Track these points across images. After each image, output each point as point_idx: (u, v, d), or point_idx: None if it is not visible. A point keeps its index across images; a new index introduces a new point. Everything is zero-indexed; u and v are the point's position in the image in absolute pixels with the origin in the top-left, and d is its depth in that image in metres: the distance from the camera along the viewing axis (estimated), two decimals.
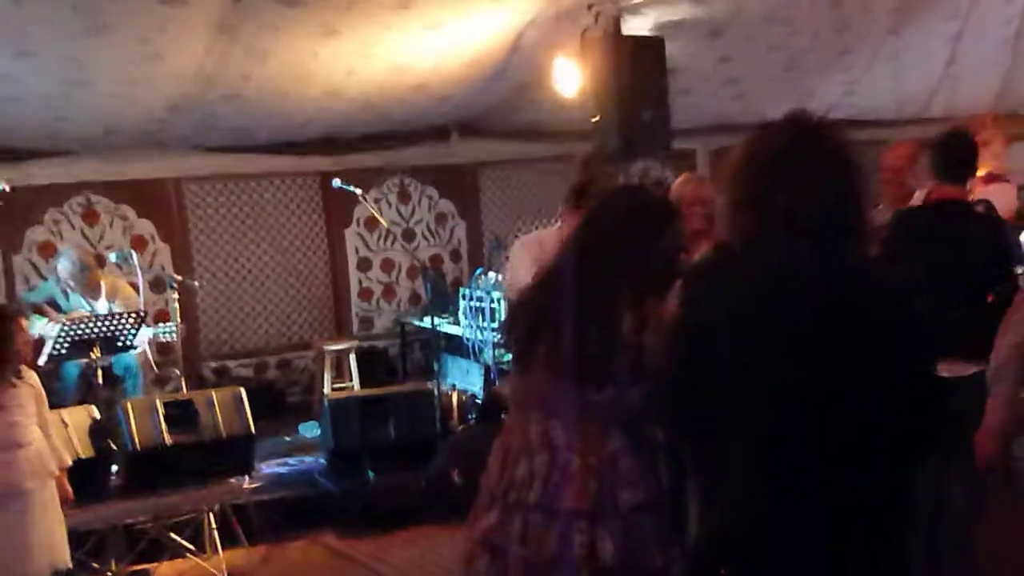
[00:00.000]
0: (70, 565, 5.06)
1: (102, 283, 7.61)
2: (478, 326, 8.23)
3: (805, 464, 2.21)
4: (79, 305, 7.46)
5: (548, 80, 8.07)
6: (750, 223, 2.36)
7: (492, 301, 8.07)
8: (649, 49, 7.51)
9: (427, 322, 8.88)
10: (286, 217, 9.75)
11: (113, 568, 5.83)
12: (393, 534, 6.44)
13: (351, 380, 8.98)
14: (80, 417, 6.07)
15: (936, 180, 4.91)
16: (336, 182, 8.02)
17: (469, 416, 7.87)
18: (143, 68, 6.91)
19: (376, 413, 7.19)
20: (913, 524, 2.33)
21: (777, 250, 2.32)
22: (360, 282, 10.11)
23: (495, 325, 7.83)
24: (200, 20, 6.41)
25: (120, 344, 7.00)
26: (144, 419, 6.06)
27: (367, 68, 7.70)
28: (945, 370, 4.26)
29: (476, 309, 8.30)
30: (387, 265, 10.23)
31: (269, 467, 7.26)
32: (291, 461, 7.49)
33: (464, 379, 8.60)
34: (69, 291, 7.49)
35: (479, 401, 7.97)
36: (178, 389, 7.61)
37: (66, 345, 6.75)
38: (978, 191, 7.49)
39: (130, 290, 7.73)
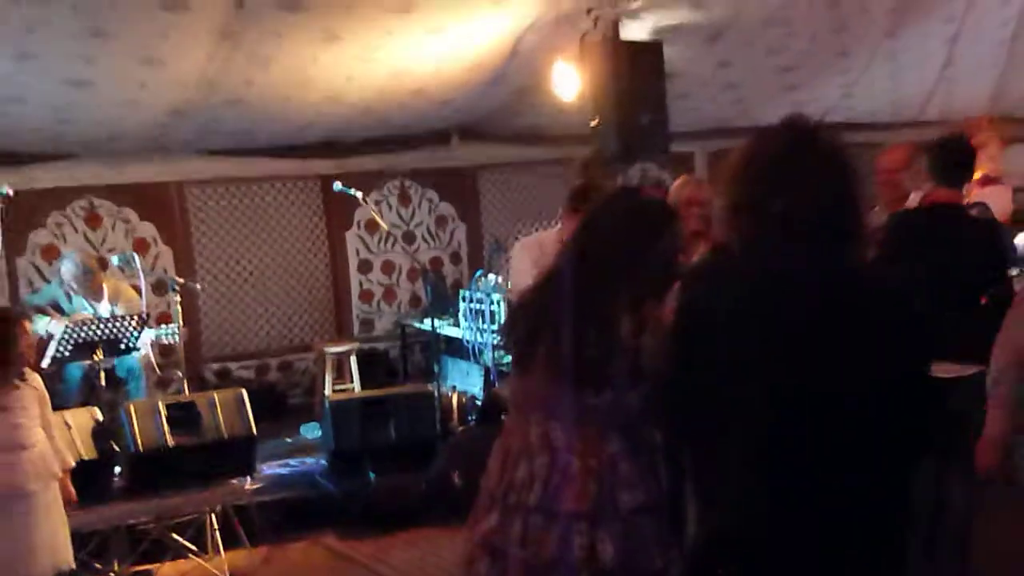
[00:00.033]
0: (73, 566, 5.06)
1: (105, 286, 7.62)
2: (478, 328, 8.23)
3: (803, 465, 2.22)
4: (82, 308, 7.46)
5: (547, 84, 8.07)
6: (748, 227, 2.37)
7: (492, 303, 8.06)
8: (648, 53, 7.51)
9: (427, 324, 8.87)
10: (287, 220, 9.75)
11: (116, 569, 5.83)
12: (394, 535, 6.44)
13: (352, 382, 8.98)
14: (83, 419, 6.07)
15: (932, 183, 4.92)
16: (337, 185, 8.02)
17: (469, 417, 7.87)
18: (146, 73, 6.91)
19: (377, 415, 7.19)
20: (911, 525, 2.33)
21: (775, 254, 2.32)
22: (361, 284, 10.11)
23: (495, 327, 7.82)
24: (202, 26, 6.41)
25: (123, 346, 7.00)
26: (146, 421, 6.06)
27: (367, 73, 7.71)
28: (941, 371, 4.29)
29: (476, 311, 8.30)
30: (388, 267, 10.23)
31: (270, 468, 7.26)
32: (292, 462, 7.49)
33: (464, 381, 8.60)
34: (72, 294, 7.50)
35: (479, 403, 7.96)
36: (180, 391, 7.62)
37: (69, 347, 6.75)
38: (974, 194, 7.49)
39: (132, 293, 7.74)
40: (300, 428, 8.40)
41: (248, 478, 6.24)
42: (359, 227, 10.01)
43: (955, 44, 9.72)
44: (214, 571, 5.98)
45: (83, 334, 6.75)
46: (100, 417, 6.15)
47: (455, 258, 10.57)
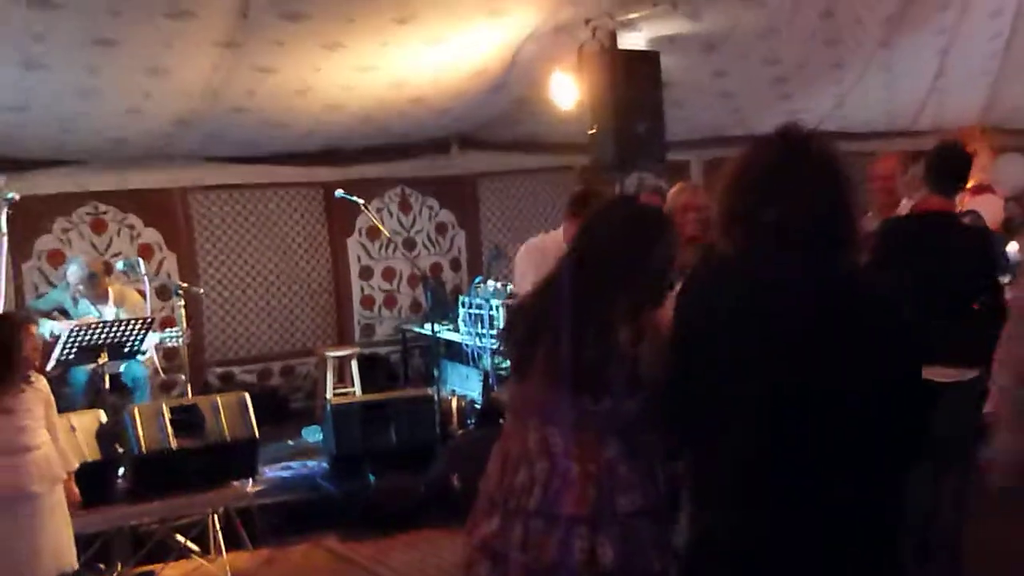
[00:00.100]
0: (77, 567, 5.05)
1: (110, 290, 7.64)
2: (477, 333, 8.23)
3: (799, 467, 2.21)
4: (87, 312, 7.47)
5: (546, 93, 8.09)
6: (743, 236, 2.37)
7: (491, 308, 8.08)
8: (645, 63, 7.52)
9: (427, 329, 8.88)
10: (290, 226, 9.76)
11: (119, 570, 5.83)
12: (394, 537, 6.43)
13: (353, 386, 8.99)
14: (88, 421, 6.07)
15: (926, 190, 4.92)
16: (339, 193, 8.03)
17: (468, 421, 7.87)
18: (151, 82, 6.92)
19: (377, 418, 7.20)
20: (906, 526, 2.33)
21: (769, 262, 2.32)
22: (362, 290, 10.12)
23: (494, 332, 7.83)
24: (206, 36, 6.42)
25: (127, 350, 7.00)
26: (150, 424, 6.05)
27: (368, 82, 7.71)
28: (938, 375, 4.29)
29: (475, 316, 8.31)
30: (388, 273, 10.23)
31: (272, 471, 7.24)
32: (294, 465, 7.47)
33: (463, 385, 8.60)
34: (79, 297, 7.51)
35: (478, 406, 7.97)
36: (183, 394, 7.61)
37: (74, 350, 6.75)
38: (966, 202, 7.51)
39: (137, 297, 7.75)
40: (302, 431, 8.39)
41: (250, 480, 6.22)
42: (360, 234, 10.02)
43: (947, 55, 9.73)
44: (216, 572, 5.97)
45: (88, 337, 6.75)
46: (105, 420, 6.15)
47: (455, 264, 10.58)
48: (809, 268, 2.29)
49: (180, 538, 6.09)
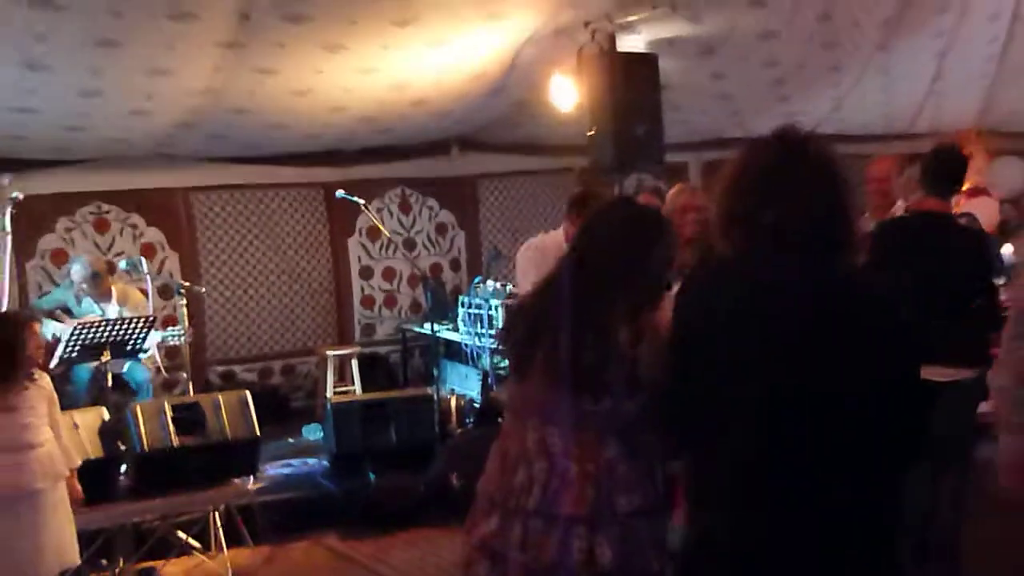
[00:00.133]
0: (79, 563, 5.06)
1: (113, 289, 7.64)
2: (476, 333, 8.24)
3: (798, 467, 2.21)
4: (91, 310, 7.47)
5: (545, 96, 8.09)
6: (742, 238, 2.37)
7: (490, 309, 8.08)
8: (643, 66, 7.52)
9: (427, 329, 8.90)
10: (291, 226, 9.77)
11: (121, 566, 5.83)
12: (393, 535, 6.43)
13: (353, 385, 8.99)
14: (91, 419, 6.07)
15: (923, 191, 4.93)
16: (340, 193, 8.03)
17: (467, 420, 7.88)
18: (153, 83, 6.92)
19: (377, 417, 7.20)
20: (904, 527, 2.32)
21: (767, 264, 2.33)
22: (362, 290, 10.12)
23: (493, 332, 7.83)
24: (209, 37, 6.42)
25: (129, 348, 7.00)
26: (152, 421, 6.06)
27: (369, 84, 7.72)
28: (936, 375, 4.29)
29: (475, 316, 8.31)
30: (389, 273, 10.24)
31: (273, 469, 7.25)
32: (294, 463, 7.48)
33: (463, 384, 8.61)
34: (82, 296, 7.51)
35: (477, 406, 7.97)
36: (185, 393, 7.62)
37: (77, 348, 6.75)
38: (961, 204, 7.51)
39: (140, 296, 7.75)
40: (302, 430, 8.40)
41: (251, 478, 6.23)
42: (361, 234, 10.03)
43: (944, 59, 9.74)
44: (217, 569, 5.98)
45: (91, 335, 6.76)
46: (107, 417, 6.16)
47: (454, 265, 10.58)
48: (807, 270, 2.29)
49: (181, 535, 6.10)
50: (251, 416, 6.34)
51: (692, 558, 2.44)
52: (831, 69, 9.45)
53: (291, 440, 8.19)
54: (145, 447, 5.98)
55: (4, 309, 7.26)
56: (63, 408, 5.24)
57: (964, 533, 4.76)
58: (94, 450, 5.90)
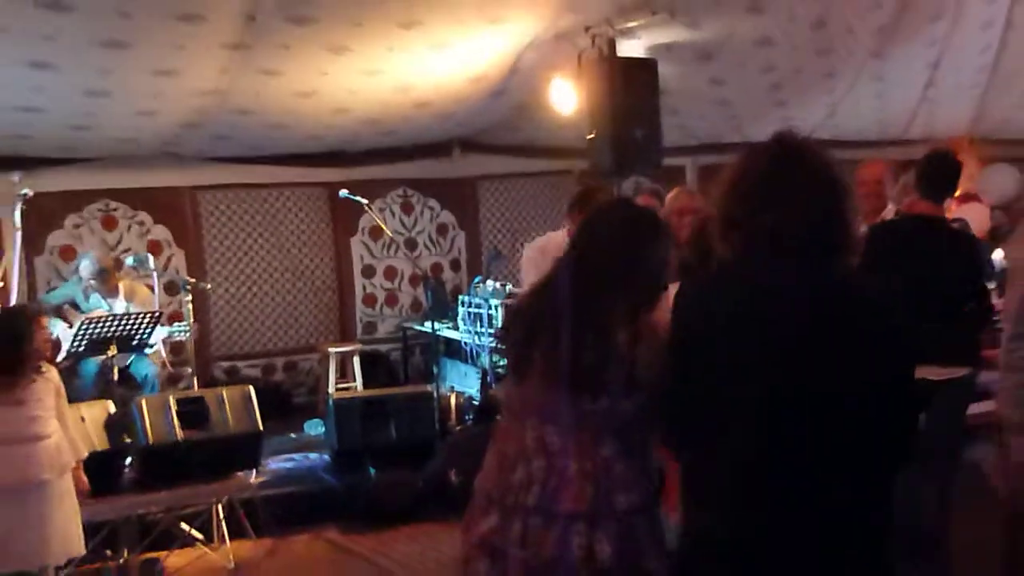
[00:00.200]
0: (85, 553, 5.06)
1: (120, 285, 7.64)
2: (476, 332, 8.24)
3: (796, 468, 2.21)
4: (98, 305, 7.48)
5: (546, 99, 8.10)
6: (740, 242, 2.37)
7: (490, 308, 8.08)
8: (643, 71, 7.52)
9: (428, 327, 8.90)
10: (295, 225, 9.78)
11: (125, 557, 5.83)
12: (393, 529, 6.43)
13: (355, 381, 8.99)
14: (97, 412, 6.07)
15: (916, 195, 4.93)
16: (343, 193, 8.04)
17: (467, 417, 7.88)
18: (161, 84, 6.91)
19: (378, 414, 7.20)
20: (894, 525, 2.32)
21: (765, 268, 2.33)
22: (364, 288, 10.12)
23: (492, 331, 7.84)
24: (215, 39, 6.42)
25: (135, 343, 7.01)
26: (157, 415, 6.06)
27: (373, 86, 7.71)
28: (932, 374, 4.30)
29: (474, 315, 8.32)
30: (390, 272, 10.24)
31: (275, 463, 7.26)
32: (296, 458, 7.48)
33: (462, 382, 8.61)
34: (90, 291, 7.52)
35: (476, 403, 7.97)
36: (190, 387, 7.62)
37: (84, 342, 6.76)
38: (953, 210, 7.52)
39: (147, 292, 7.76)
40: (304, 425, 8.40)
41: (254, 472, 6.23)
42: (363, 233, 10.04)
43: (937, 68, 9.74)
44: (220, 561, 5.99)
45: (98, 329, 6.77)
46: (113, 410, 6.16)
47: (455, 264, 10.59)
48: (804, 273, 2.29)
49: (185, 527, 6.10)
50: (254, 411, 6.33)
51: (690, 557, 2.44)
52: (826, 75, 9.45)
53: (293, 435, 8.20)
54: (150, 440, 5.97)
55: (13, 303, 7.26)
56: (70, 401, 5.26)
57: (956, 533, 4.76)
58: (100, 443, 5.89)
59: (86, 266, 7.55)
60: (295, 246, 9.78)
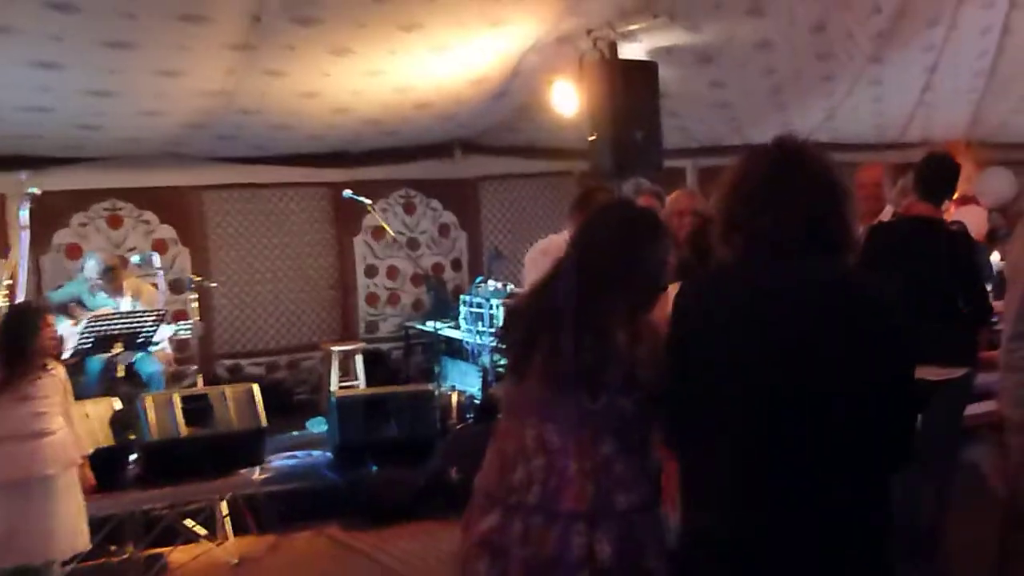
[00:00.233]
0: (89, 548, 5.07)
1: (126, 283, 7.65)
2: (477, 331, 8.24)
3: (796, 468, 2.21)
4: (104, 303, 7.48)
5: (547, 101, 8.10)
6: (741, 243, 2.37)
7: (491, 308, 8.08)
8: (643, 73, 7.53)
9: (429, 327, 8.93)
10: (298, 225, 9.78)
11: (129, 552, 5.84)
12: (394, 526, 6.42)
13: (357, 380, 8.99)
14: (102, 409, 6.09)
15: (914, 197, 4.93)
16: (347, 193, 8.05)
17: (467, 416, 7.87)
18: (166, 84, 6.92)
19: (380, 412, 7.19)
20: (892, 525, 2.32)
21: (765, 269, 2.33)
22: (367, 288, 10.12)
23: (493, 330, 7.84)
24: (220, 39, 6.42)
25: (141, 341, 7.01)
26: (162, 412, 6.07)
27: (376, 87, 7.72)
28: (931, 374, 4.30)
29: (475, 315, 8.32)
30: (392, 272, 10.24)
31: (278, 460, 7.24)
32: (299, 455, 7.46)
33: (463, 381, 8.61)
34: (96, 290, 7.52)
35: (477, 402, 7.97)
36: (194, 385, 7.63)
37: (90, 340, 6.76)
38: (951, 213, 7.52)
39: (152, 290, 7.77)
40: (307, 423, 8.39)
41: (257, 469, 6.23)
42: (366, 233, 10.04)
43: (935, 72, 9.75)
44: (223, 557, 5.98)
45: (104, 327, 6.77)
46: (118, 407, 6.17)
47: (456, 264, 10.59)
48: (804, 274, 2.29)
49: (189, 523, 6.11)
50: (257, 408, 6.34)
51: (689, 556, 2.43)
52: (825, 79, 9.46)
53: (296, 433, 8.18)
54: (155, 437, 5.98)
55: (20, 301, 7.26)
56: (75, 398, 5.26)
57: (954, 533, 4.77)
58: (105, 439, 5.91)
59: (91, 267, 7.55)
60: (299, 245, 9.78)
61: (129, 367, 7.26)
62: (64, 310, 7.31)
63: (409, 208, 10.31)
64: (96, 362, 7.21)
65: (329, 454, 7.29)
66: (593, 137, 7.41)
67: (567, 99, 7.90)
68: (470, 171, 10.35)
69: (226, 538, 6.14)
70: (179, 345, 8.22)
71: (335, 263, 9.97)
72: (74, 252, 8.64)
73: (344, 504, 6.67)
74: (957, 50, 9.31)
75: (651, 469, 2.79)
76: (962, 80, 10.08)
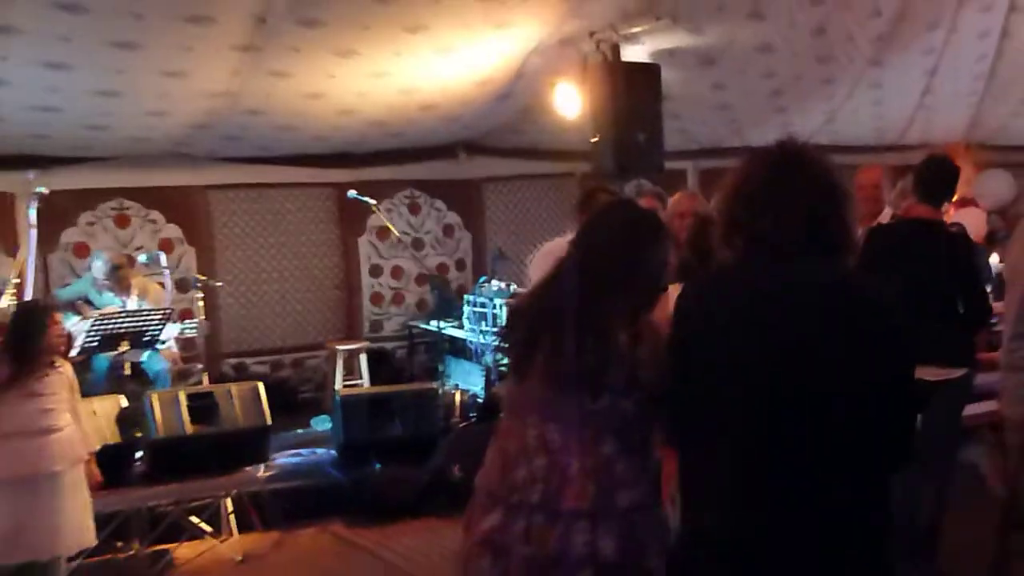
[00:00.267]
0: (95, 544, 5.06)
1: (132, 282, 7.65)
2: (480, 331, 8.24)
3: (796, 468, 2.20)
4: (112, 302, 7.48)
5: (550, 103, 8.10)
6: (742, 245, 2.37)
7: (494, 307, 8.08)
8: (646, 75, 7.53)
9: (433, 326, 8.92)
10: (304, 225, 9.77)
11: (135, 548, 5.84)
12: (397, 523, 6.42)
13: (361, 379, 8.99)
14: (109, 406, 6.10)
15: (914, 199, 4.92)
16: (351, 193, 8.04)
17: (470, 415, 7.87)
18: (172, 85, 6.92)
19: (384, 410, 7.19)
20: (892, 524, 2.31)
21: (766, 270, 2.32)
22: (372, 287, 10.12)
23: (496, 330, 7.84)
24: (225, 40, 6.42)
25: (147, 339, 7.01)
26: (168, 410, 6.08)
27: (381, 89, 7.71)
28: (929, 374, 4.29)
29: (479, 315, 8.31)
30: (397, 272, 10.24)
31: (283, 458, 7.23)
32: (303, 453, 7.46)
33: (466, 380, 8.60)
34: (103, 289, 7.53)
35: (480, 401, 7.97)
36: (200, 383, 7.63)
37: (97, 338, 6.77)
38: (951, 215, 7.51)
39: (158, 289, 7.77)
40: (311, 421, 8.39)
41: (262, 466, 6.23)
42: (371, 234, 10.03)
43: (934, 76, 9.74)
44: (228, 553, 5.99)
45: (110, 326, 6.77)
46: (125, 405, 6.17)
47: (460, 264, 10.58)
48: (804, 276, 2.29)
49: (194, 519, 6.10)
50: (263, 406, 6.35)
51: (689, 556, 2.43)
52: (826, 82, 9.45)
53: (300, 431, 8.17)
54: (161, 434, 5.99)
55: (27, 299, 7.27)
56: (82, 395, 5.26)
57: (952, 533, 4.76)
58: (112, 436, 5.93)
59: (99, 267, 7.55)
60: (304, 245, 9.77)
61: (136, 365, 7.28)
62: (72, 307, 7.32)
63: (414, 208, 10.30)
64: (103, 360, 7.21)
65: (333, 452, 7.29)
66: (595, 139, 7.41)
67: (570, 101, 7.90)
68: (474, 172, 10.35)
69: (231, 535, 6.14)
70: (185, 343, 8.22)
71: (340, 263, 9.97)
72: (82, 251, 8.64)
73: (348, 501, 6.67)
74: (957, 53, 9.31)
75: (652, 469, 2.79)
76: (962, 83, 10.07)
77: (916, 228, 4.82)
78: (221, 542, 6.08)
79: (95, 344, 6.83)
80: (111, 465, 5.40)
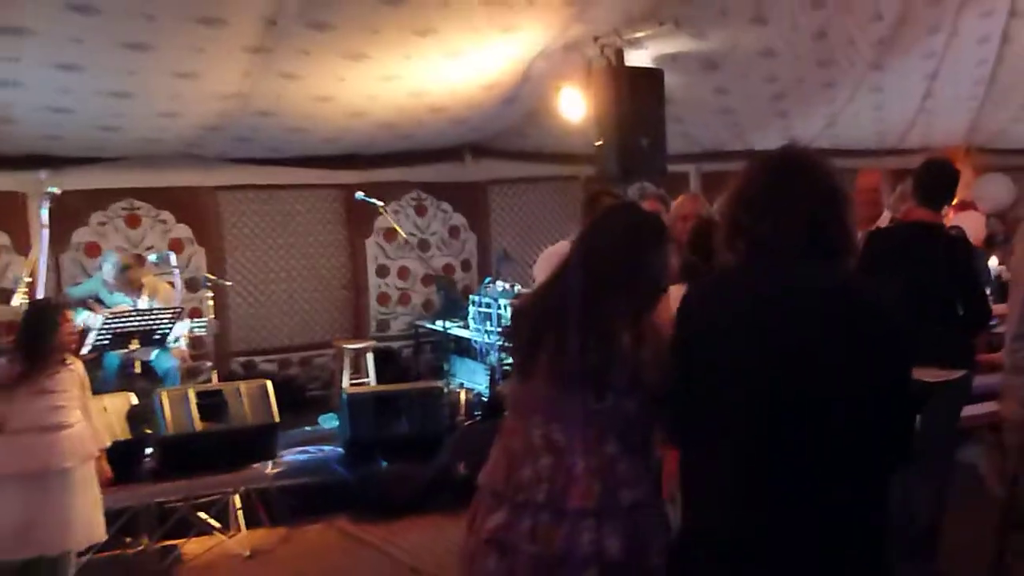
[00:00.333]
0: (105, 539, 5.06)
1: (143, 282, 7.65)
2: (485, 330, 8.24)
3: (796, 469, 2.19)
4: (122, 301, 7.49)
5: (555, 107, 8.10)
6: (745, 248, 2.37)
7: (499, 308, 8.08)
8: (649, 80, 7.53)
9: (439, 326, 8.92)
10: (312, 226, 9.78)
11: (144, 543, 5.84)
12: (403, 520, 6.42)
13: (368, 377, 8.99)
14: (119, 403, 6.10)
15: (914, 202, 4.90)
16: (359, 195, 8.04)
17: (475, 413, 7.88)
18: (183, 86, 6.92)
19: (390, 408, 7.20)
20: (890, 525, 2.31)
21: (767, 274, 2.32)
22: (378, 287, 10.12)
23: (501, 330, 7.84)
24: (236, 42, 6.42)
25: (157, 338, 7.02)
26: (177, 407, 6.08)
27: (389, 92, 7.72)
28: (929, 375, 4.28)
29: (484, 315, 8.31)
30: (403, 273, 10.24)
31: (290, 455, 7.23)
32: (311, 450, 7.46)
33: (471, 379, 8.60)
34: (114, 289, 7.53)
35: (484, 399, 7.97)
36: (209, 381, 7.63)
37: (108, 336, 6.77)
38: (950, 218, 7.50)
39: (169, 288, 7.77)
40: (318, 419, 8.39)
41: (270, 463, 6.24)
42: (378, 234, 10.04)
43: (935, 80, 9.72)
44: (236, 548, 5.99)
45: (121, 324, 6.78)
46: (135, 402, 6.17)
47: (466, 265, 10.58)
48: (804, 280, 2.29)
49: (202, 515, 6.10)
50: (271, 404, 6.35)
51: (689, 555, 2.42)
52: (827, 86, 9.44)
53: (308, 428, 8.18)
54: (170, 431, 6.00)
55: (39, 297, 7.27)
56: (93, 393, 5.26)
57: (950, 534, 4.74)
58: (122, 433, 5.93)
59: (108, 269, 7.57)
60: (312, 246, 9.78)
61: (146, 363, 7.29)
62: (84, 305, 7.32)
63: (420, 210, 10.31)
64: (113, 358, 7.22)
65: (340, 449, 7.29)
66: (599, 142, 7.41)
67: (574, 105, 7.90)
68: (480, 175, 10.35)
69: (239, 530, 6.13)
70: (194, 342, 8.23)
71: (347, 263, 9.97)
72: (93, 250, 8.65)
73: (354, 498, 6.67)
74: (957, 58, 9.29)
75: (653, 468, 2.78)
76: (962, 87, 10.06)
77: (916, 231, 4.80)
78: (229, 538, 6.08)
79: (106, 342, 6.84)
80: (121, 461, 5.40)
